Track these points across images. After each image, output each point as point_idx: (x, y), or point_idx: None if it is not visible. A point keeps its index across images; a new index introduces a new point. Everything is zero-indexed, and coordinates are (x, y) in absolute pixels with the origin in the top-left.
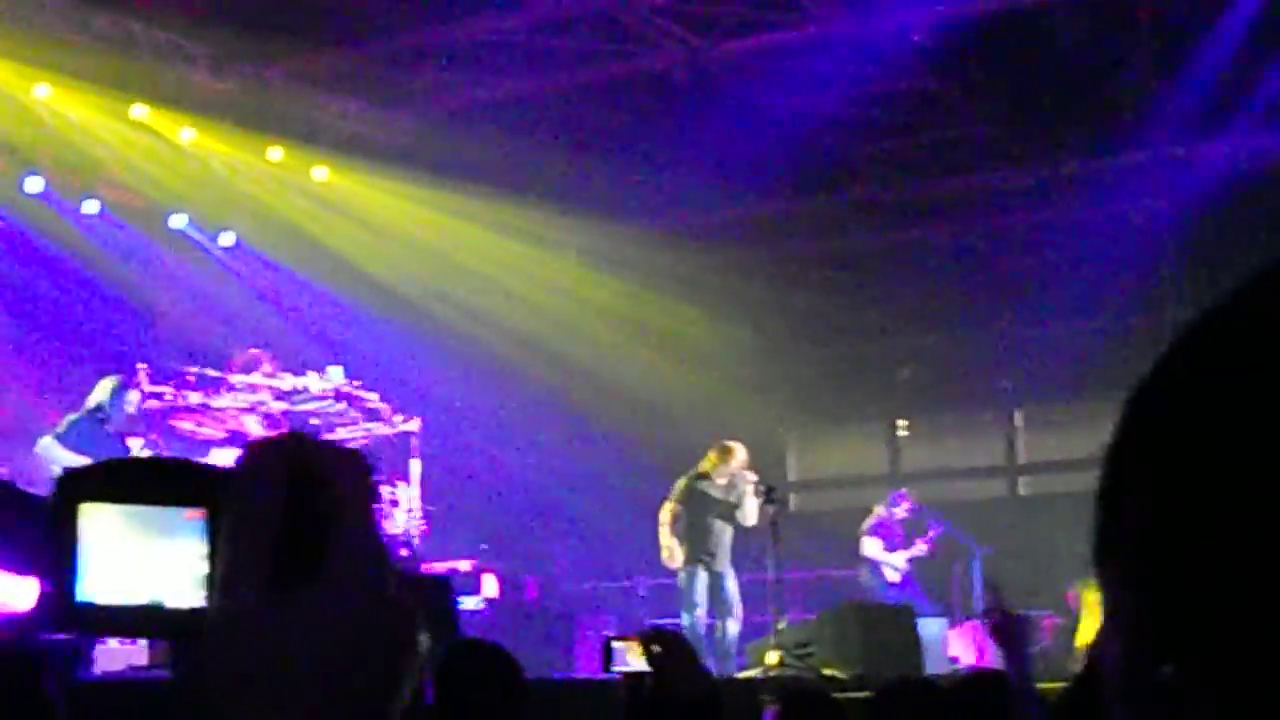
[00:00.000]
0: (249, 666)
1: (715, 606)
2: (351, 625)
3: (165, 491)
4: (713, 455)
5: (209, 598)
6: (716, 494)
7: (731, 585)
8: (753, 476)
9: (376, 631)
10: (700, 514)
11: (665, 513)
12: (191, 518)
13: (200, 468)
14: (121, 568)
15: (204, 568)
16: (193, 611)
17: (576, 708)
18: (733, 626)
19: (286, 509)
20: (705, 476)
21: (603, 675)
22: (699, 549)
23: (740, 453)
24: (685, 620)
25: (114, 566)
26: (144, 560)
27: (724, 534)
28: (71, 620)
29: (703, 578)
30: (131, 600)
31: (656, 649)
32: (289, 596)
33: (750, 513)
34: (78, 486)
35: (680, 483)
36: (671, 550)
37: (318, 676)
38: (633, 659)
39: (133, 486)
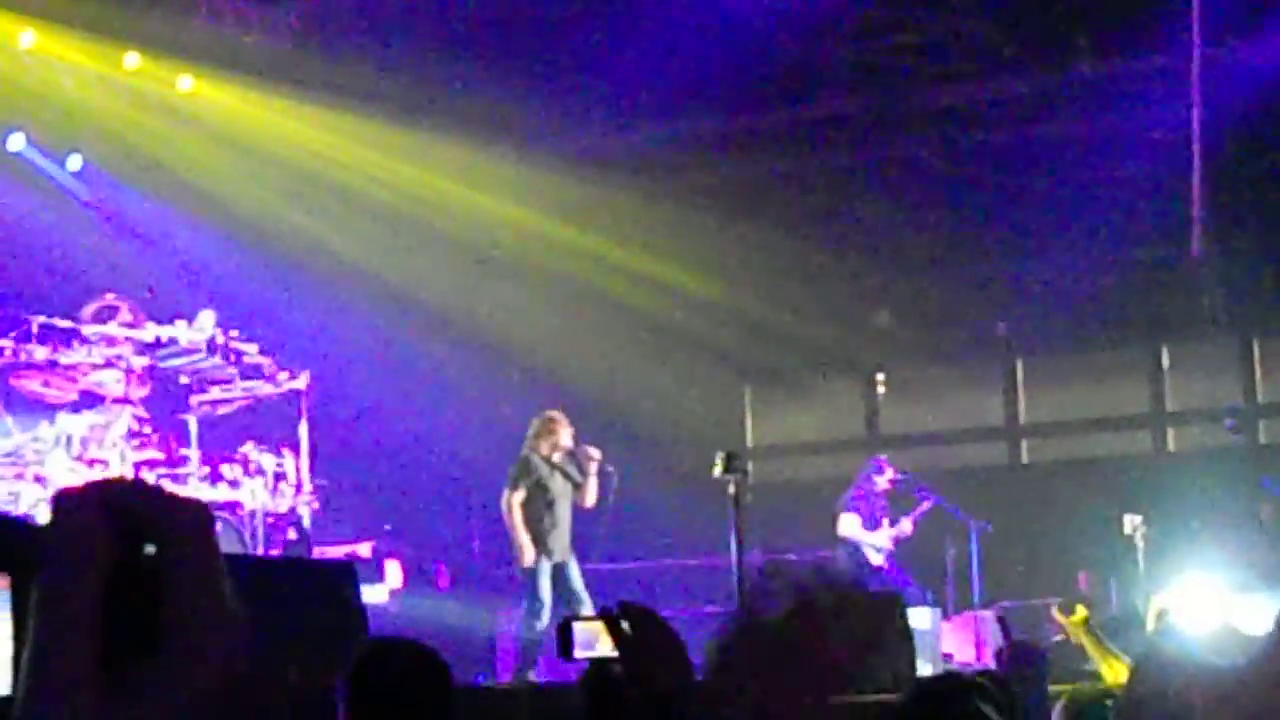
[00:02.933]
0: None
1: (564, 599)
2: (198, 709)
3: None
4: (537, 428)
5: (17, 683)
6: (554, 473)
7: (576, 574)
8: (596, 453)
9: (227, 712)
10: (539, 499)
11: (509, 502)
12: None
13: (5, 523)
14: None
15: (10, 647)
16: (2, 702)
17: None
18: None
19: (111, 572)
20: (536, 454)
21: (544, 681)
22: (541, 539)
23: (564, 422)
24: (535, 624)
25: None
26: None
27: (565, 519)
28: None
29: (547, 571)
30: None
31: (625, 629)
32: (117, 680)
33: (591, 492)
34: None
35: (518, 467)
36: (524, 546)
37: None
38: (598, 643)
39: None
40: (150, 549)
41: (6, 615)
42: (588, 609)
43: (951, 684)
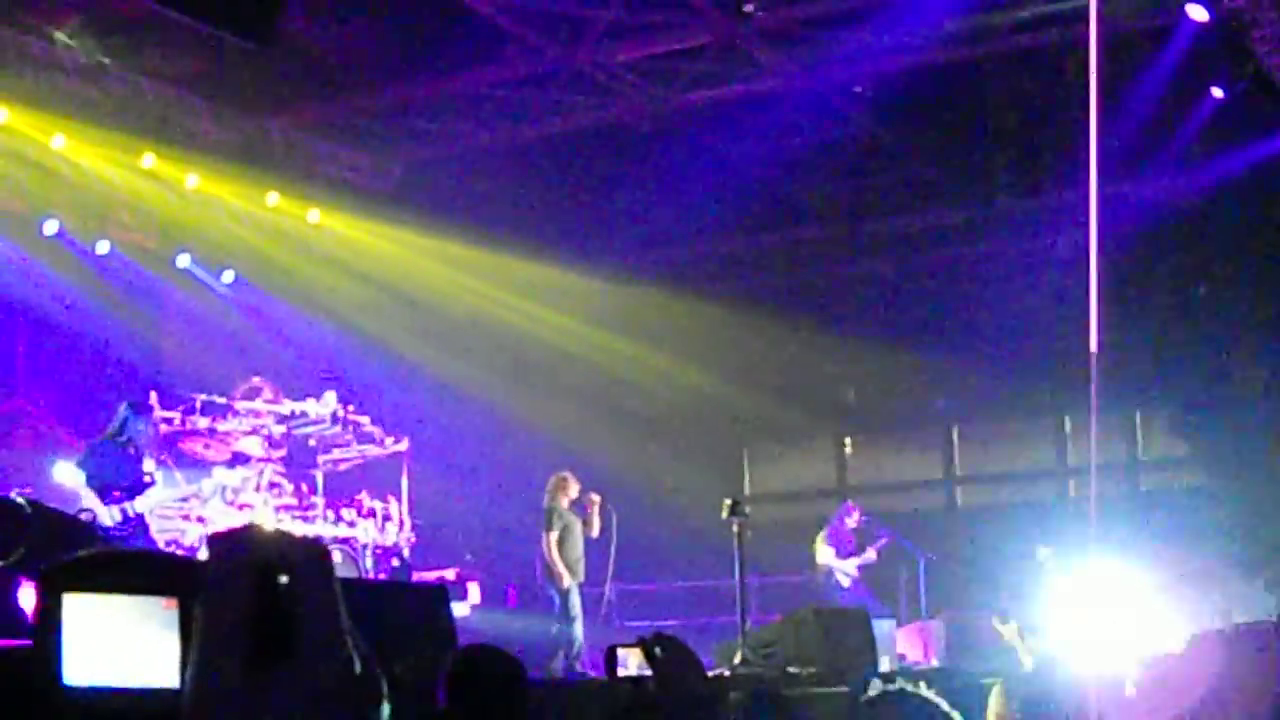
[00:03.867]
0: None
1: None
2: (321, 703)
3: (142, 582)
4: (554, 484)
5: (185, 680)
6: (573, 517)
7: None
8: (597, 497)
9: (344, 706)
10: (568, 538)
11: (549, 542)
12: (167, 607)
13: (174, 560)
14: (103, 653)
15: (178, 653)
16: (172, 693)
17: (580, 709)
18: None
19: (254, 597)
20: (558, 505)
21: (604, 677)
22: (571, 566)
23: (574, 478)
24: (574, 627)
25: (96, 652)
26: (124, 646)
27: (582, 549)
28: (57, 702)
29: (576, 589)
30: (113, 684)
31: (659, 653)
32: (259, 678)
33: (596, 526)
34: (62, 577)
35: (548, 517)
36: (562, 574)
37: None
38: (635, 663)
39: (112, 578)
40: (284, 579)
41: (176, 628)
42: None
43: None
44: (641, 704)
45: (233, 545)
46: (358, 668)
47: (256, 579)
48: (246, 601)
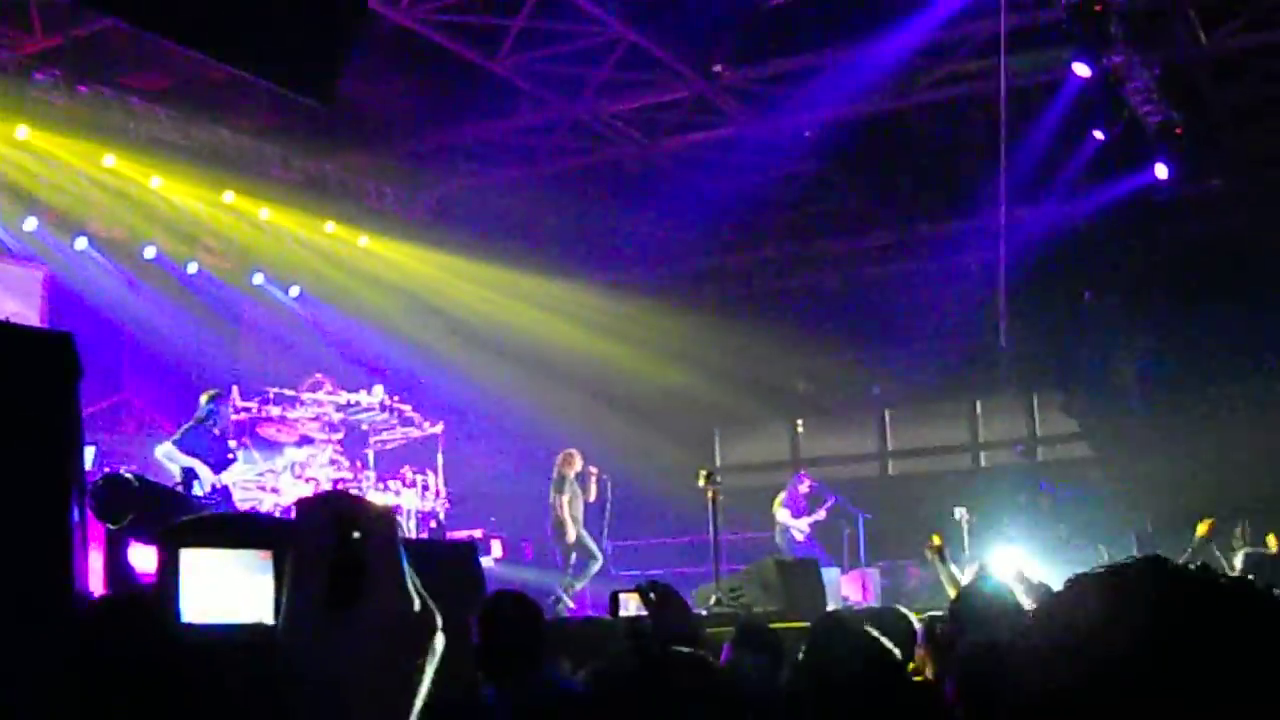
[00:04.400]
0: (311, 669)
1: (588, 558)
2: (384, 638)
3: (242, 538)
4: (563, 459)
5: (277, 617)
6: (578, 485)
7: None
8: (594, 469)
9: (403, 642)
10: (574, 501)
11: (561, 504)
12: (263, 558)
13: (267, 519)
14: (212, 596)
15: (272, 595)
16: (267, 627)
17: (588, 643)
18: (595, 567)
19: (333, 548)
20: (566, 475)
21: (607, 617)
22: (575, 524)
23: (578, 453)
24: (579, 572)
25: (206, 595)
26: (229, 590)
27: (582, 510)
28: (176, 636)
29: (579, 541)
30: (220, 620)
31: (653, 598)
32: (336, 617)
33: (593, 492)
34: (178, 536)
35: (559, 484)
36: (568, 531)
37: (362, 675)
38: (634, 605)
39: (219, 535)
40: (357, 536)
41: (270, 575)
42: (597, 556)
43: (849, 616)
44: (640, 637)
45: (314, 508)
46: (416, 606)
47: (335, 534)
48: (327, 552)
